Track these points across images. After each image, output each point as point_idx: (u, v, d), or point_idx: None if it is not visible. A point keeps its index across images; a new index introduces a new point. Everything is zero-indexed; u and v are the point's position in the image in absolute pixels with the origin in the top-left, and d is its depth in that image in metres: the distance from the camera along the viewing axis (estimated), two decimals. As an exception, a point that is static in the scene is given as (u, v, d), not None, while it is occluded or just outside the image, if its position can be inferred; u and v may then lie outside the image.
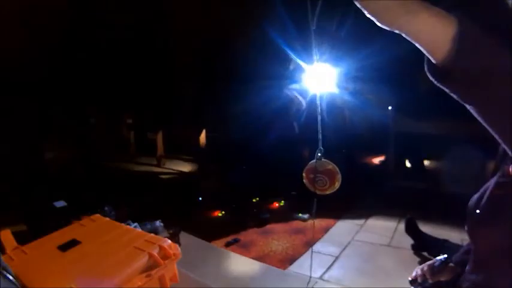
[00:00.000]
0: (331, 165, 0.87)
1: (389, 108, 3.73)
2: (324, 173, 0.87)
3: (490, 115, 0.44)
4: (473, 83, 0.42)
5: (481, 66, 0.41)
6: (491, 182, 0.78)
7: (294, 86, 3.62)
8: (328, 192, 0.89)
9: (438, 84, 0.44)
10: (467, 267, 0.86)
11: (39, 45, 3.52)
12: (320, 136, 0.83)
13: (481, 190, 0.80)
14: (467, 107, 0.45)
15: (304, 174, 0.91)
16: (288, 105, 3.72)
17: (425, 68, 0.46)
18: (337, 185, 0.87)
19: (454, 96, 0.44)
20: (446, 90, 0.44)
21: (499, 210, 0.73)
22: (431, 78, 0.45)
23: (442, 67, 0.43)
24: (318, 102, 0.83)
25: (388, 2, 0.41)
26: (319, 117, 0.82)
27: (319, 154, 0.86)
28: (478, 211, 0.78)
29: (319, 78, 1.00)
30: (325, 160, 0.86)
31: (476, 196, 0.81)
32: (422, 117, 3.32)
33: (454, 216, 2.80)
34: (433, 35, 0.41)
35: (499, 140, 0.45)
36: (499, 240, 0.72)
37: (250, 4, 3.51)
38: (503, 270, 0.72)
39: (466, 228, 0.84)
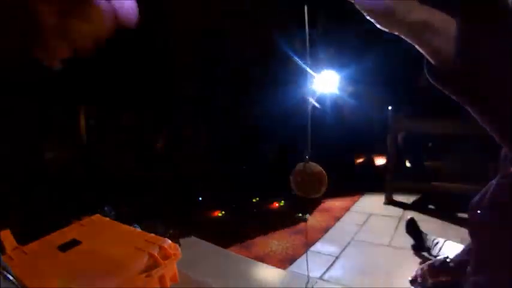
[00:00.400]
0: (318, 168, 0.84)
1: (389, 108, 3.72)
2: (311, 176, 0.85)
3: (491, 117, 0.44)
4: (473, 85, 0.42)
5: (482, 67, 0.40)
6: (493, 183, 0.78)
7: (305, 88, 3.60)
8: (314, 196, 0.87)
9: (438, 86, 0.44)
10: (467, 268, 0.86)
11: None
12: (309, 139, 0.81)
13: (482, 191, 0.80)
14: (468, 109, 0.45)
15: (291, 178, 0.89)
16: (297, 106, 3.70)
17: (425, 70, 0.46)
18: (324, 189, 0.85)
19: (454, 98, 0.44)
20: (446, 92, 0.44)
21: (500, 211, 0.73)
22: (431, 80, 0.45)
23: (442, 69, 0.43)
24: (310, 107, 0.82)
25: (387, 5, 0.41)
26: (309, 121, 0.80)
27: (306, 156, 0.84)
28: (479, 212, 0.78)
29: (321, 81, 0.99)
30: (312, 163, 0.84)
31: (477, 197, 0.81)
32: (422, 117, 3.32)
33: (454, 216, 2.82)
34: (432, 37, 0.41)
35: (499, 142, 0.45)
36: (500, 241, 0.72)
37: (251, 4, 3.51)
38: (503, 271, 0.72)
39: (467, 228, 0.84)
